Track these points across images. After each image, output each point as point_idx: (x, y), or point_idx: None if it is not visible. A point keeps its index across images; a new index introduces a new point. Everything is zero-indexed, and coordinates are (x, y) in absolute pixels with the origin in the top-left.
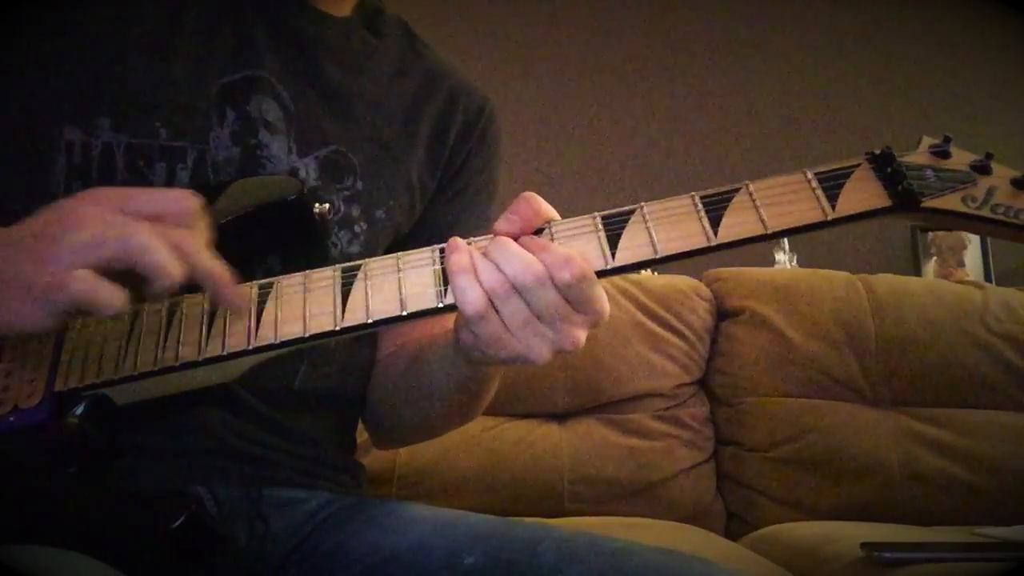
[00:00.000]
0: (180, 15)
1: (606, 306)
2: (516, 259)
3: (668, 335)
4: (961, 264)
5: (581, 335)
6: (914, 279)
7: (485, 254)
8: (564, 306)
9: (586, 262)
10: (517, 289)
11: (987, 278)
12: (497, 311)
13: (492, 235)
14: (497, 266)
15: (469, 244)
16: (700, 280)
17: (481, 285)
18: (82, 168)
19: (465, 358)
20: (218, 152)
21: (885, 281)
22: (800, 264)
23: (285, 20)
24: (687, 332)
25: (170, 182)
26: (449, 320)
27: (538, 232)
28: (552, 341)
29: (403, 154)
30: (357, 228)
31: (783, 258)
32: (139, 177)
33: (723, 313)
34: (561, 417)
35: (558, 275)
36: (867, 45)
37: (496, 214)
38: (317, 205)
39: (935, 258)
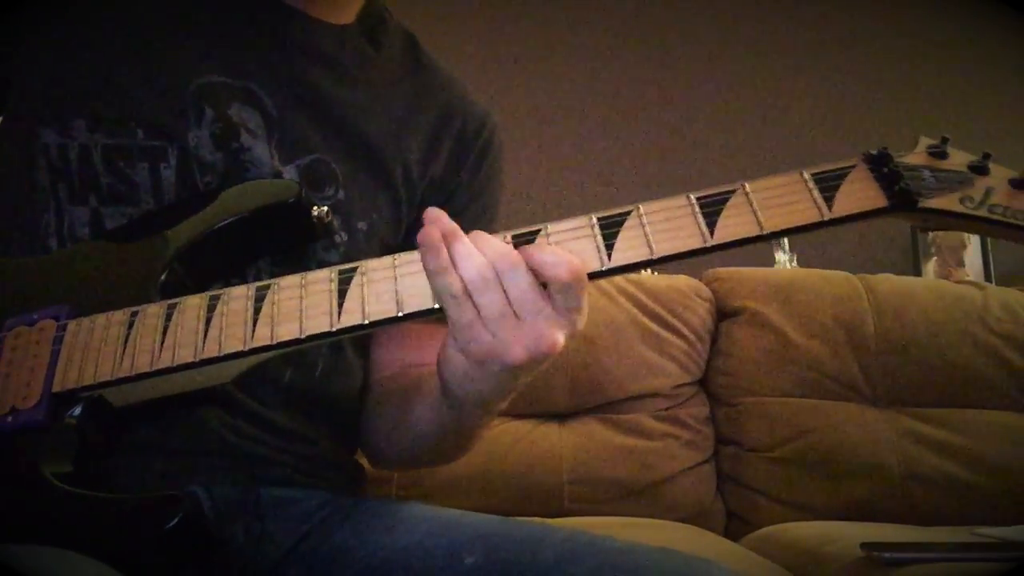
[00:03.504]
0: (161, 17)
1: (585, 315)
2: (493, 247)
3: (668, 335)
4: (961, 264)
5: (559, 336)
6: (914, 279)
7: (462, 242)
8: (541, 301)
9: (579, 261)
10: (497, 274)
11: (987, 278)
12: (472, 299)
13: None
14: (474, 253)
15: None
16: (700, 280)
17: (458, 272)
18: (62, 170)
19: (449, 400)
20: (200, 152)
21: (885, 281)
22: (800, 264)
23: (274, 26)
24: (687, 332)
25: (155, 181)
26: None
27: (533, 234)
28: (527, 339)
29: (390, 166)
30: (337, 238)
31: (783, 258)
32: (121, 178)
33: (723, 313)
34: (561, 417)
35: (550, 272)
36: (864, 44)
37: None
38: (315, 208)
39: (935, 258)
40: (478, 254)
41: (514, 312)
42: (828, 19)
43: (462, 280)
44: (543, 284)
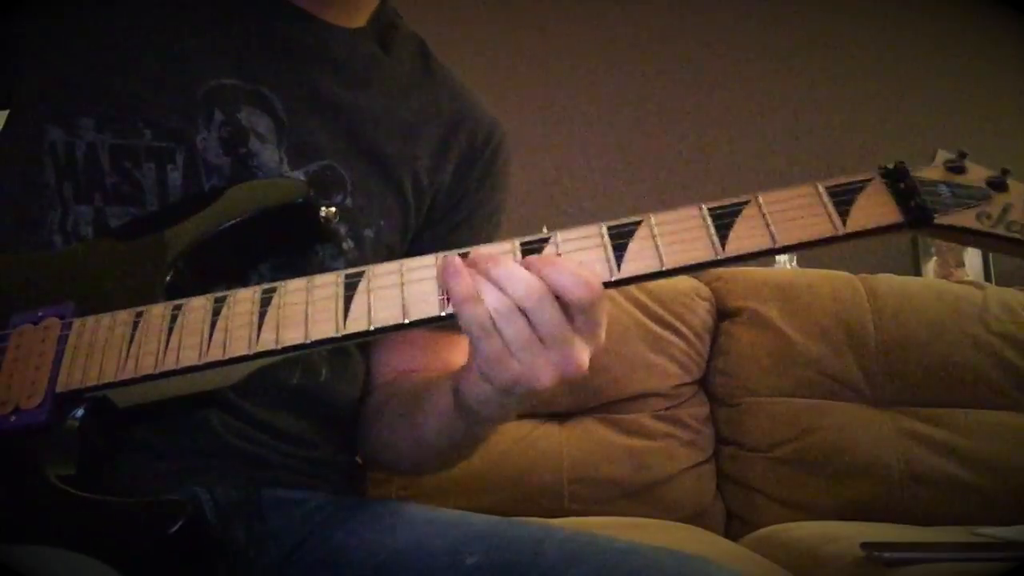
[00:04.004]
0: (172, 19)
1: (604, 326)
2: (519, 281)
3: (668, 335)
4: (961, 264)
5: (584, 357)
6: (914, 279)
7: (487, 275)
8: (566, 326)
9: (596, 279)
10: (521, 310)
11: (987, 278)
12: (499, 331)
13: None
14: (500, 288)
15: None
16: (700, 280)
17: (485, 306)
18: (68, 168)
19: (464, 416)
20: (208, 155)
21: (885, 281)
22: (800, 264)
23: (285, 30)
24: (687, 332)
25: (161, 183)
26: (449, 363)
27: (543, 242)
28: (556, 364)
29: (399, 173)
30: (344, 246)
31: (783, 258)
32: (127, 178)
33: (723, 313)
34: (561, 417)
35: (572, 295)
36: (882, 52)
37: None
38: (324, 208)
39: (935, 258)
40: (500, 291)
41: (540, 339)
42: (843, 26)
43: (489, 311)
44: (564, 306)
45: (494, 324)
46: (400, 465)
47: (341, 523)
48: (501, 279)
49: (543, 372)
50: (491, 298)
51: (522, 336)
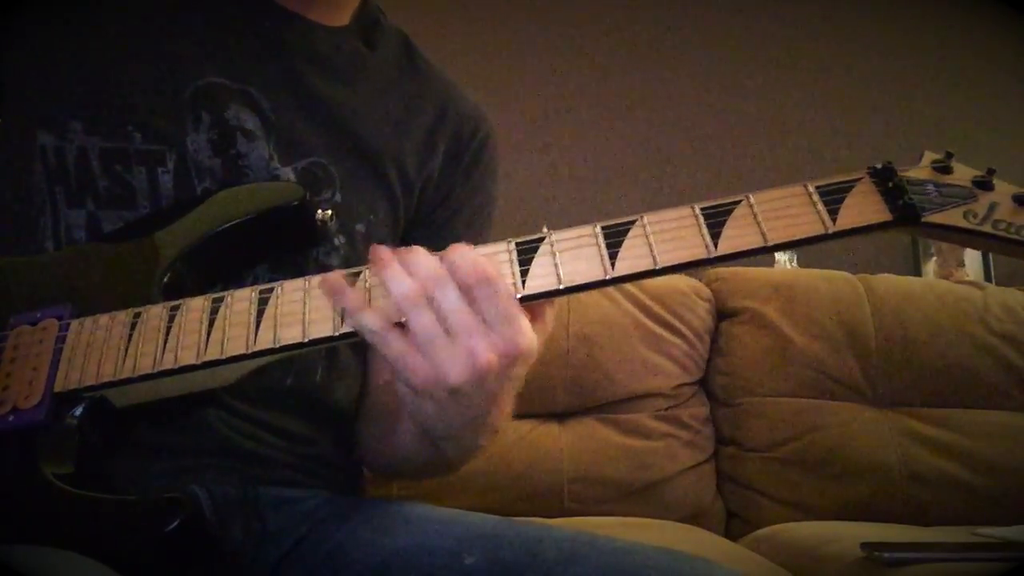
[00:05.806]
0: (158, 20)
1: (525, 334)
2: (420, 265)
3: (668, 335)
4: (961, 264)
5: (490, 354)
6: (914, 279)
7: (392, 266)
8: (469, 314)
9: (492, 267)
10: (426, 297)
11: (987, 278)
12: (409, 323)
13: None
14: (402, 275)
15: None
16: (700, 280)
17: (375, 311)
18: (59, 173)
19: (420, 431)
20: (199, 157)
21: (885, 281)
22: (800, 264)
23: (270, 29)
24: (687, 332)
25: (152, 186)
26: None
27: (537, 242)
28: (462, 358)
29: (387, 168)
30: (336, 241)
31: (783, 258)
32: (118, 181)
33: (723, 313)
34: (561, 417)
35: (460, 277)
36: (873, 55)
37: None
38: (319, 211)
39: (935, 258)
40: (406, 277)
41: (446, 331)
42: (837, 29)
43: (379, 314)
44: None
45: (388, 325)
46: (387, 470)
47: (340, 522)
48: (405, 266)
49: (451, 367)
50: (394, 287)
51: (428, 327)
